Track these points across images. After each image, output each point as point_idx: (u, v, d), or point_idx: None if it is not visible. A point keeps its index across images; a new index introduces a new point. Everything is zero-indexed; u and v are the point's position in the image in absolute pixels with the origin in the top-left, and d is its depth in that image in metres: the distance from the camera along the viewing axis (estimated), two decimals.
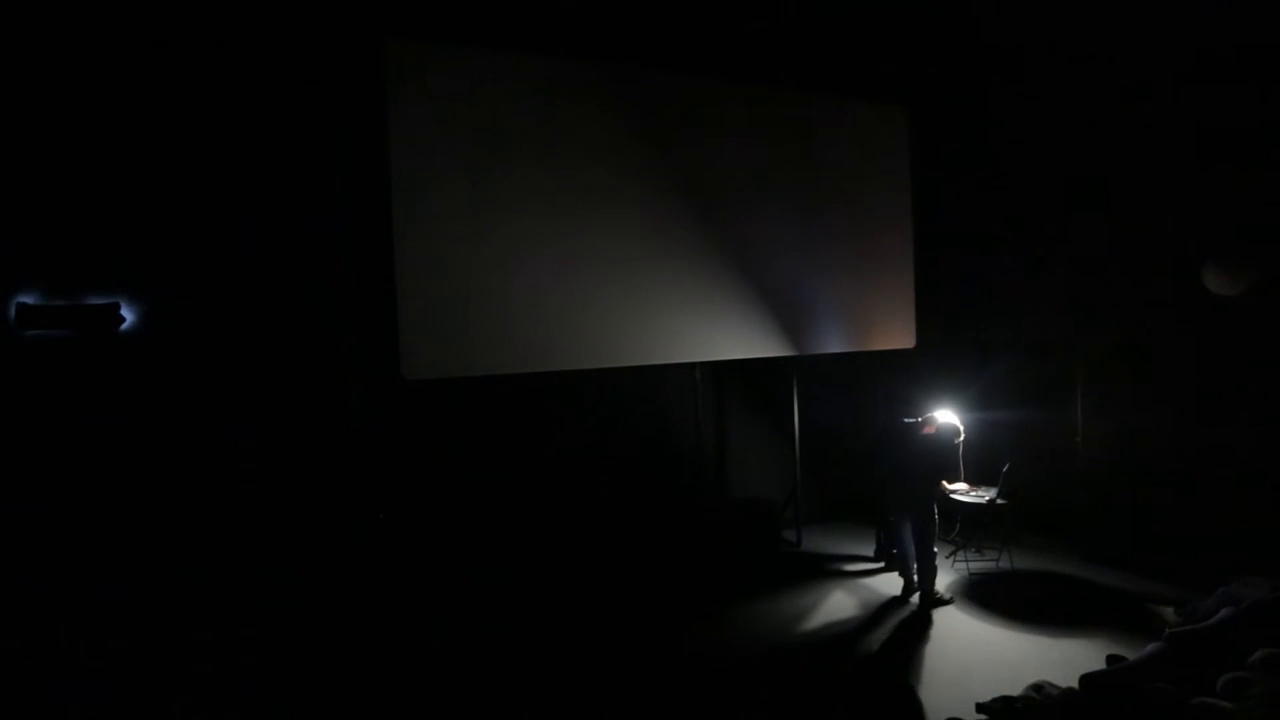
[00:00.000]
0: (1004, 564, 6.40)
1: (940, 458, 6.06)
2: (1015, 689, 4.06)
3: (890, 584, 6.16)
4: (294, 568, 5.07)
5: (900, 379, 7.68)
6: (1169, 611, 5.19)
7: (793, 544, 7.24)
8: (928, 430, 6.11)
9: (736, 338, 6.61)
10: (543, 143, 5.77)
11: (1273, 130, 5.53)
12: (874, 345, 7.38)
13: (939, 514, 5.97)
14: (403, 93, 5.26)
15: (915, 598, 5.84)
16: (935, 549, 5.82)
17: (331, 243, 5.26)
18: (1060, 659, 4.69)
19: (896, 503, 6.02)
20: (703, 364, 7.06)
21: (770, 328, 6.73)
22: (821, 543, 7.35)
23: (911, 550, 5.88)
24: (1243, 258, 5.74)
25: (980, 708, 3.97)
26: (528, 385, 6.11)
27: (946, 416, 6.39)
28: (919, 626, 5.45)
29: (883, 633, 5.37)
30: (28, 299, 4.61)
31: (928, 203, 7.55)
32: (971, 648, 5.06)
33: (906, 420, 6.38)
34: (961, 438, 6.40)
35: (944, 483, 6.26)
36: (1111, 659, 4.37)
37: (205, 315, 5.04)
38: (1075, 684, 3.97)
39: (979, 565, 6.47)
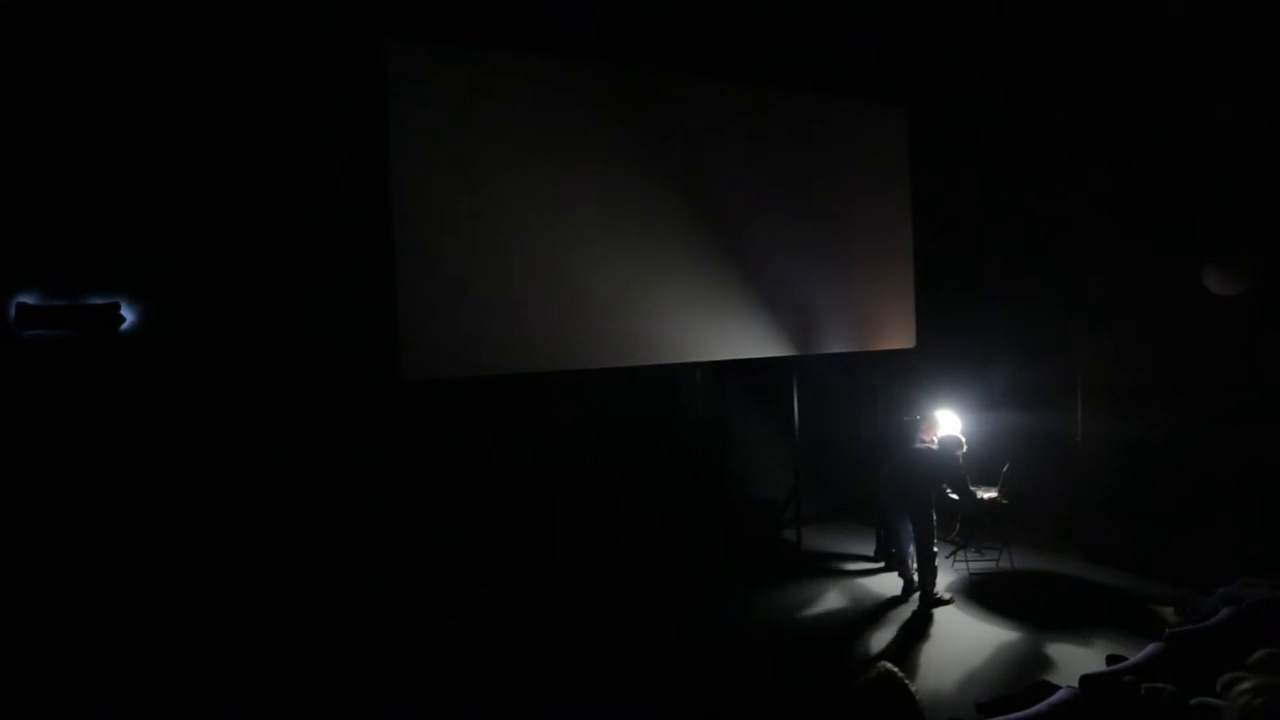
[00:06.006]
0: (1004, 564, 6.40)
1: (941, 469, 5.98)
2: (1015, 689, 4.06)
3: (890, 584, 6.16)
4: (293, 569, 5.07)
5: (900, 379, 7.67)
6: (1169, 611, 5.17)
7: (793, 543, 7.23)
8: (927, 436, 6.09)
9: (736, 338, 6.60)
10: (543, 143, 5.76)
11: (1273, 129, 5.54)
12: (874, 345, 7.37)
13: (938, 514, 5.96)
14: (403, 93, 5.26)
15: (915, 598, 5.84)
16: (935, 549, 5.82)
17: (332, 243, 5.26)
18: (1060, 659, 4.70)
19: (896, 505, 6.02)
20: (703, 364, 7.06)
21: (770, 328, 6.73)
22: (821, 542, 7.35)
23: (911, 550, 5.88)
24: (1243, 258, 5.74)
25: (980, 707, 3.96)
26: (527, 385, 6.11)
27: (948, 425, 6.31)
28: (919, 626, 5.45)
29: (883, 632, 5.38)
30: (28, 299, 4.61)
31: (928, 203, 7.54)
32: (971, 648, 5.06)
33: (907, 419, 6.37)
34: (964, 449, 6.23)
35: (975, 491, 6.17)
36: (1111, 659, 4.35)
37: (205, 315, 5.04)
38: (1075, 684, 3.96)
39: (979, 565, 6.47)
